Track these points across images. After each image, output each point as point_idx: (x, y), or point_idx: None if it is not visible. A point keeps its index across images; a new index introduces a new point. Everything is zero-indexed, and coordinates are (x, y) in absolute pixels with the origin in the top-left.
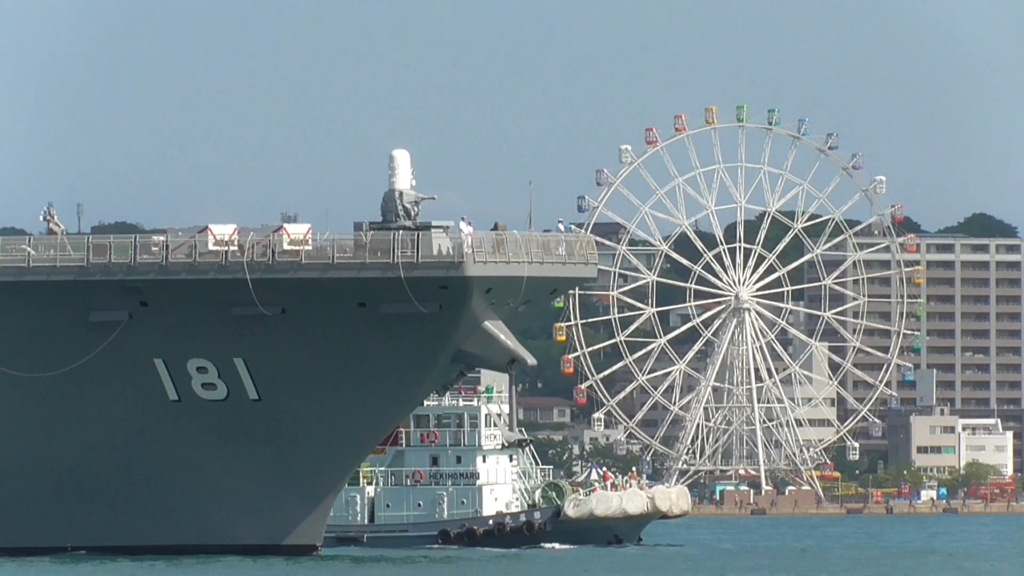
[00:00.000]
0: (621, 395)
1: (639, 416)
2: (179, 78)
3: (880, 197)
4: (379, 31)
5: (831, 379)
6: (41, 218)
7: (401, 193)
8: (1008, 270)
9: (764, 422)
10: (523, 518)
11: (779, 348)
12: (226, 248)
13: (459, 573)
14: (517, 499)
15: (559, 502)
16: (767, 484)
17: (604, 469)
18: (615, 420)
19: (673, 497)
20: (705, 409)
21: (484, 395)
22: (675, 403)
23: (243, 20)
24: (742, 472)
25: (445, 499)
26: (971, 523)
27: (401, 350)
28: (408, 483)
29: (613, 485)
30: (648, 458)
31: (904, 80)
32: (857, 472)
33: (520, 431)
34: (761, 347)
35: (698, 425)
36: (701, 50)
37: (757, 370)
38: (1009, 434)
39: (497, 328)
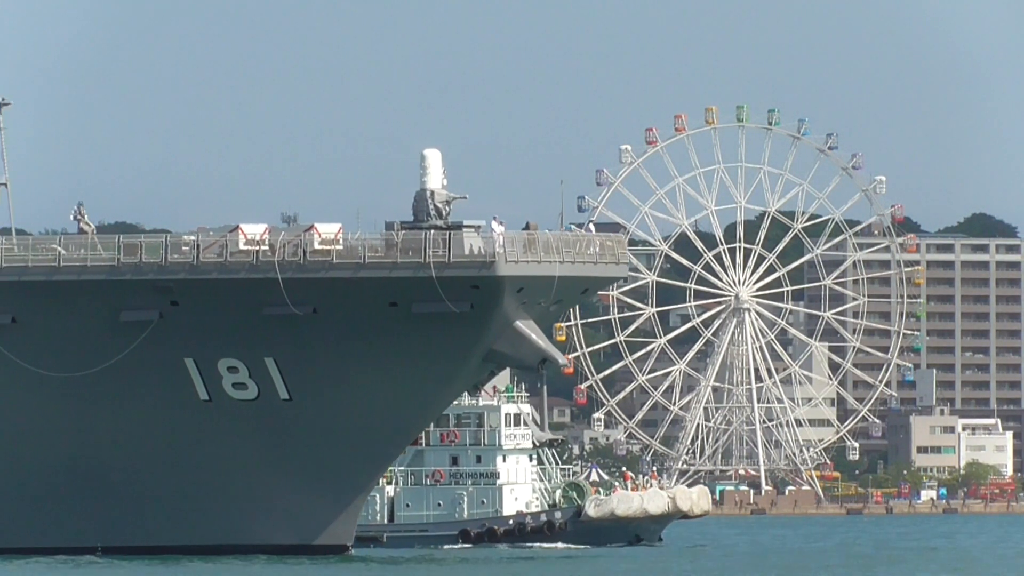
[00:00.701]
0: (621, 395)
1: (639, 416)
2: (195, 76)
3: (880, 197)
4: (379, 30)
5: (831, 379)
6: (72, 217)
7: (432, 192)
8: (1008, 270)
9: (764, 422)
10: (544, 518)
11: (779, 348)
12: (257, 248)
13: (507, 573)
14: (537, 499)
15: (580, 502)
16: (767, 484)
17: (624, 468)
18: (615, 420)
19: (694, 497)
20: (705, 409)
21: (504, 395)
22: (675, 403)
23: (271, 18)
24: (742, 472)
25: (465, 499)
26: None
27: (432, 350)
28: (428, 482)
29: (634, 485)
30: (648, 458)
31: (904, 80)
32: (857, 472)
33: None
34: (761, 347)
35: (698, 425)
36: (701, 50)
37: (757, 370)
38: (1009, 434)
39: (528, 328)
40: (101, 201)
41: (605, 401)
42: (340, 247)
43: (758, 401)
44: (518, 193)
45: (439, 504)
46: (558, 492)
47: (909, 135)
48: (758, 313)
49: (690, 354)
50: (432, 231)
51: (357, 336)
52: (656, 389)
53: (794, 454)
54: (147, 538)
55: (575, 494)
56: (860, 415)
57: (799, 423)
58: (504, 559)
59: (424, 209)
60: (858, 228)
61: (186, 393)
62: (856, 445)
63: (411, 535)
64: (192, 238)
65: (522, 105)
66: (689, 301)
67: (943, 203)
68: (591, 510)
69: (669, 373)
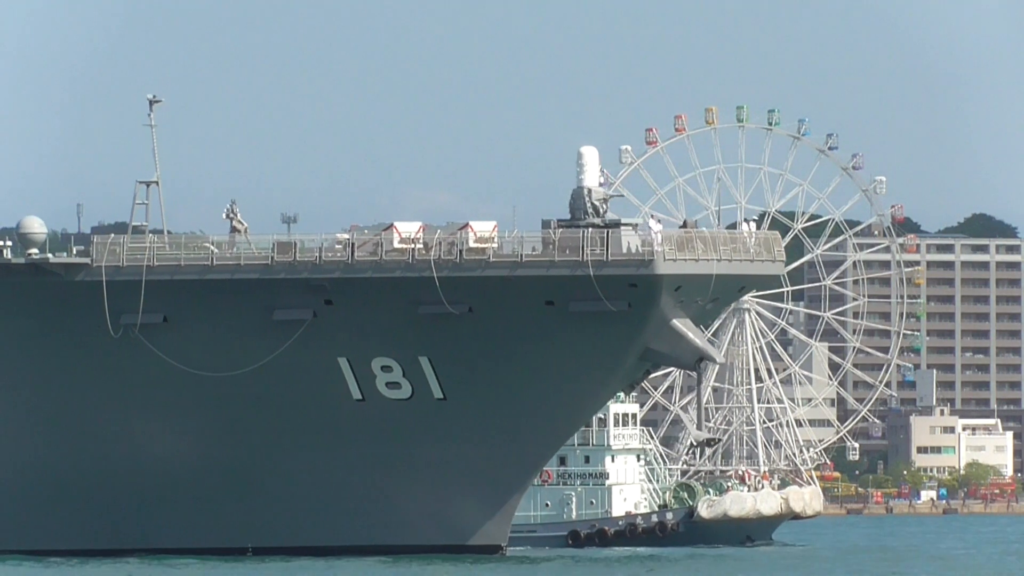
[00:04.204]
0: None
1: (639, 416)
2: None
3: (880, 197)
4: (378, 28)
5: (831, 379)
6: (224, 216)
7: (590, 190)
8: (1008, 270)
9: (764, 422)
10: (655, 519)
11: (779, 348)
12: (412, 246)
13: (661, 572)
14: (646, 499)
15: (691, 503)
16: None
17: (744, 470)
18: None
19: (807, 498)
20: (705, 409)
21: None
22: (675, 403)
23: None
24: (742, 472)
25: (573, 499)
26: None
27: (589, 348)
28: (536, 483)
29: (748, 486)
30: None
31: (904, 80)
32: (857, 472)
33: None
34: (761, 347)
35: None
36: (701, 50)
37: (757, 370)
38: (1009, 434)
39: (685, 326)
40: (101, 201)
41: None
42: (496, 245)
43: (758, 401)
44: (517, 193)
45: (547, 504)
46: (668, 493)
47: (909, 135)
48: (758, 313)
49: None
50: (590, 229)
51: (513, 335)
52: (656, 389)
53: (794, 454)
54: (299, 538)
55: (686, 495)
56: (860, 415)
57: (799, 423)
58: (669, 558)
59: (581, 207)
60: (858, 228)
61: (339, 393)
62: (856, 445)
63: (519, 535)
64: (346, 236)
65: (522, 105)
66: None
67: (943, 203)
68: (704, 511)
69: (669, 373)
